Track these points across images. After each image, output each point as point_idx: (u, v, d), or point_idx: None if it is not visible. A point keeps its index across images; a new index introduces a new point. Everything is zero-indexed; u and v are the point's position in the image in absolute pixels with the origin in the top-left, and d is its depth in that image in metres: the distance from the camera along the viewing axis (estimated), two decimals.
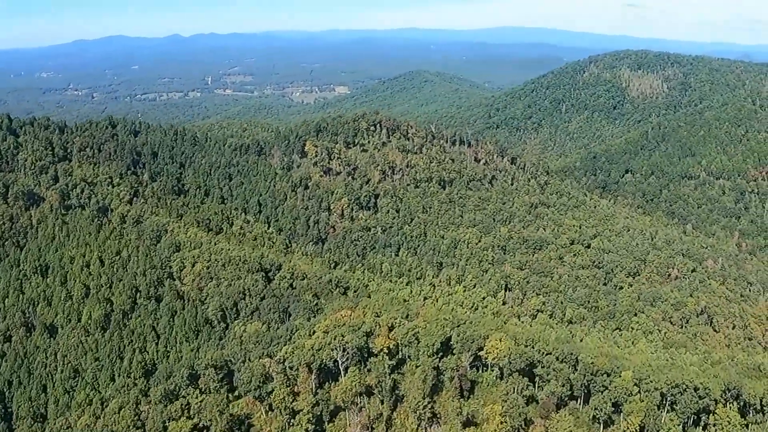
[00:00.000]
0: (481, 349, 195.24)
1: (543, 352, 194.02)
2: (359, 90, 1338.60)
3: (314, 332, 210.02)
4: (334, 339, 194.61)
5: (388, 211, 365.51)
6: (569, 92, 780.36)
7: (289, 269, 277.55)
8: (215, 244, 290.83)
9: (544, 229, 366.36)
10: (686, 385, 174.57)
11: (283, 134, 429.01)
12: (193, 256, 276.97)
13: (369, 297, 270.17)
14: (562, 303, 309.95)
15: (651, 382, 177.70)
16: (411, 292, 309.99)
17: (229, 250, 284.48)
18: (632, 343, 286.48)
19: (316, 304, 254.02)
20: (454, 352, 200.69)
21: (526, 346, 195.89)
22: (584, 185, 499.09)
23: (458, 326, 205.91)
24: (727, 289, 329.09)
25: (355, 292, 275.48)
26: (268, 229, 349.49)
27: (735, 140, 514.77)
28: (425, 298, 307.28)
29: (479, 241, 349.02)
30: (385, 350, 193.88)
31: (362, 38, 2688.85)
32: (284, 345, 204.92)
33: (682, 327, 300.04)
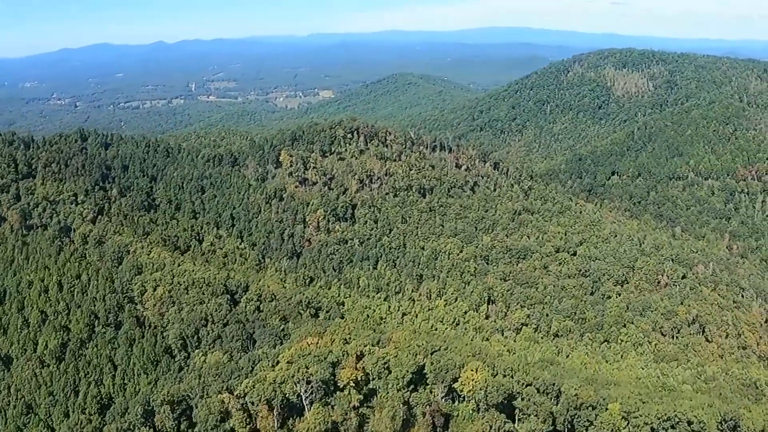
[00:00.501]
0: (456, 380, 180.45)
1: (523, 383, 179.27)
2: (343, 94, 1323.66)
3: (278, 362, 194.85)
4: (298, 371, 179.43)
5: (366, 222, 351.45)
6: (553, 92, 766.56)
7: (256, 290, 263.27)
8: (179, 266, 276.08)
9: (528, 236, 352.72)
10: (679, 418, 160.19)
11: (257, 144, 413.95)
12: (155, 279, 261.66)
13: (342, 317, 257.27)
14: (547, 315, 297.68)
15: (640, 416, 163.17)
16: (389, 308, 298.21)
17: (192, 271, 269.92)
18: (621, 356, 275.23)
19: (283, 329, 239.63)
20: (427, 382, 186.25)
21: (505, 376, 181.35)
22: (570, 189, 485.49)
23: (432, 353, 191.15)
24: (719, 295, 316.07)
25: (327, 312, 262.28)
26: (241, 244, 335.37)
27: (723, 139, 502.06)
28: (404, 314, 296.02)
29: (461, 252, 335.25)
30: (352, 383, 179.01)
31: (346, 42, 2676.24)
32: (245, 378, 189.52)
33: (673, 337, 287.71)
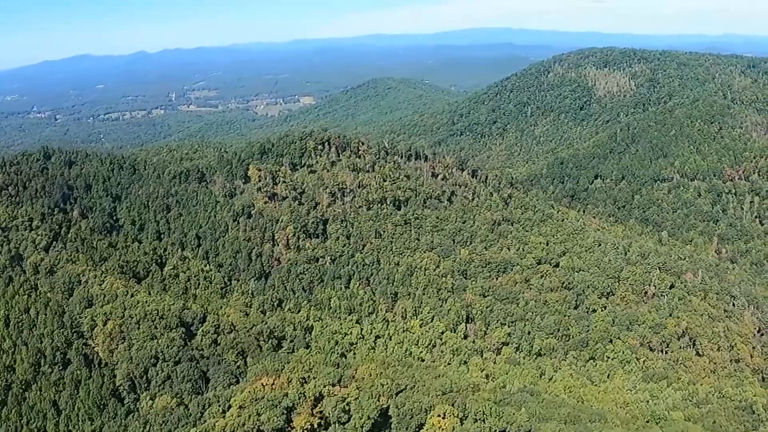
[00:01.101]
0: (421, 426, 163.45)
1: (495, 430, 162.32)
2: (324, 100, 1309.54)
3: (229, 407, 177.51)
4: (249, 418, 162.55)
5: (338, 237, 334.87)
6: (534, 94, 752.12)
7: (214, 321, 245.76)
8: (132, 296, 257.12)
9: (508, 248, 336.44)
10: None
11: (225, 158, 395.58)
12: (106, 312, 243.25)
13: (308, 346, 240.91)
14: (529, 333, 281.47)
15: None
16: (361, 331, 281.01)
17: (146, 302, 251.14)
18: (608, 376, 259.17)
19: (239, 366, 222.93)
20: (391, 426, 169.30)
21: (476, 420, 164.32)
22: (552, 195, 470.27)
23: (397, 394, 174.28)
24: (709, 305, 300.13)
25: (291, 342, 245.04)
26: (207, 266, 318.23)
27: (708, 138, 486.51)
28: (377, 338, 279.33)
29: (437, 267, 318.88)
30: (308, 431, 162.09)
31: (327, 47, 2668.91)
32: (193, 426, 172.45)
33: (662, 352, 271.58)
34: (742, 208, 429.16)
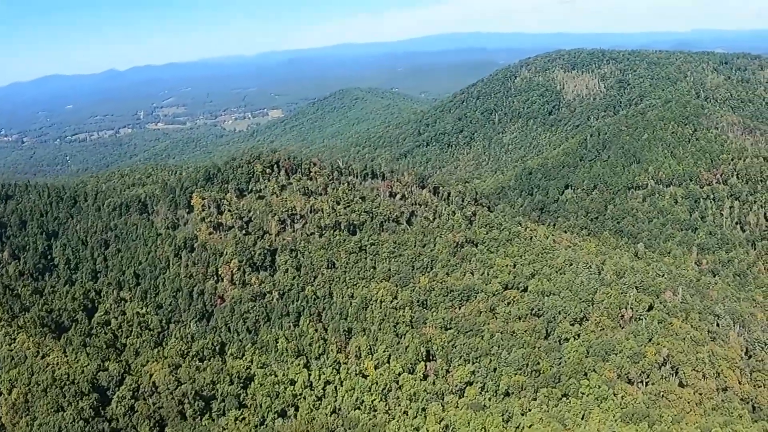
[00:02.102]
0: None
1: None
2: (292, 112, 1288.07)
3: None
4: None
5: (287, 269, 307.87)
6: (501, 100, 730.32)
7: (134, 382, 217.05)
8: (42, 357, 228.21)
9: (471, 273, 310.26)
10: None
11: (169, 186, 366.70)
12: (11, 378, 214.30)
13: (241, 405, 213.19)
14: (495, 370, 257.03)
15: None
16: (309, 377, 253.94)
17: (57, 365, 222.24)
18: (582, 417, 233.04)
19: None
20: None
21: None
22: (520, 209, 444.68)
23: None
24: (691, 326, 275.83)
25: (222, 402, 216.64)
26: (144, 308, 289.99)
27: (683, 141, 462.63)
28: (326, 384, 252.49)
29: (394, 298, 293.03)
30: None
31: (297, 58, 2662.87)
32: None
33: (642, 384, 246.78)
34: (722, 214, 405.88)
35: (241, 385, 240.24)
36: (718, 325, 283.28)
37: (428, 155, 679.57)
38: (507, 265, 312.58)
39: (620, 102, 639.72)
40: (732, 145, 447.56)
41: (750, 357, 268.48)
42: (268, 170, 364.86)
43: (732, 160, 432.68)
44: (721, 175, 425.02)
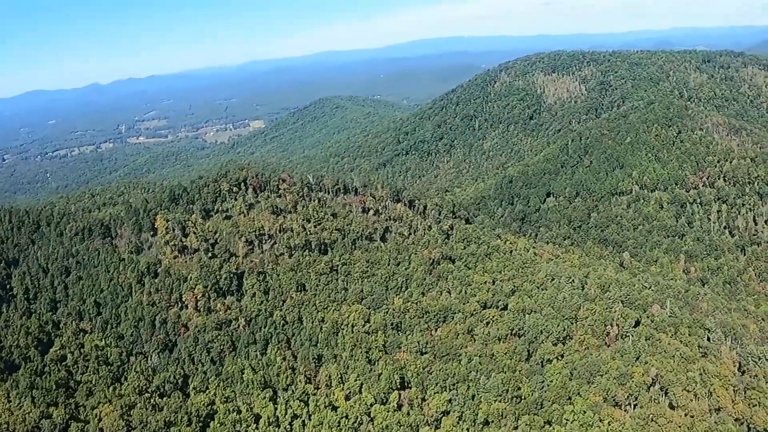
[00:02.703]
0: None
1: None
2: (273, 123, 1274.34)
3: None
4: None
5: (254, 294, 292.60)
6: (481, 106, 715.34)
7: (79, 430, 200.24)
8: None
9: (449, 292, 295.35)
10: None
11: (134, 208, 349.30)
12: None
13: None
14: (473, 398, 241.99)
15: None
16: (275, 411, 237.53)
17: None
18: None
19: None
20: None
21: None
22: (500, 219, 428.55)
23: None
24: (681, 342, 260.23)
25: None
26: (104, 339, 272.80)
27: (667, 144, 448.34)
28: (294, 418, 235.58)
29: (367, 321, 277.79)
30: None
31: (280, 67, 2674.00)
32: None
33: (631, 407, 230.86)
34: (709, 219, 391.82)
35: (201, 424, 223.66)
36: (708, 339, 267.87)
37: (408, 164, 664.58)
38: (485, 282, 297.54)
39: (602, 104, 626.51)
40: (718, 147, 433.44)
41: (743, 373, 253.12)
42: (235, 188, 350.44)
43: (718, 162, 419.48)
44: (707, 178, 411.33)
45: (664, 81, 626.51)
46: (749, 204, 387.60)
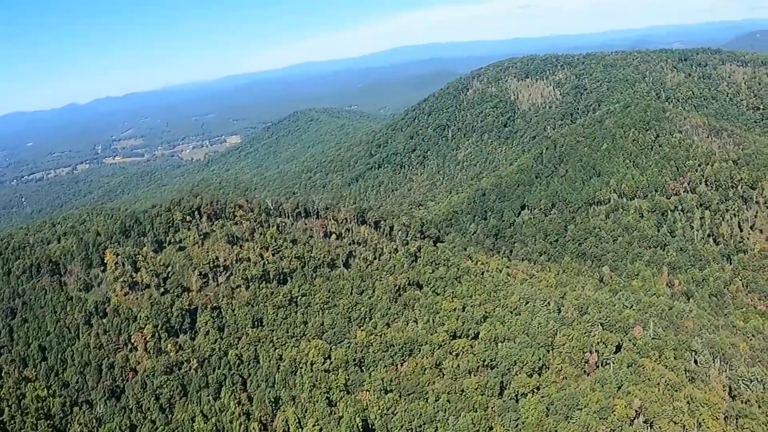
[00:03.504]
0: None
1: None
2: (249, 137, 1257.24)
3: None
4: None
5: (208, 332, 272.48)
6: (454, 115, 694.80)
7: None
8: None
9: (415, 321, 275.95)
10: None
11: (84, 241, 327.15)
12: None
13: None
14: None
15: None
16: None
17: None
18: None
19: None
20: None
21: None
22: (473, 236, 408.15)
23: None
24: (666, 367, 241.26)
25: None
26: (47, 389, 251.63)
27: (645, 149, 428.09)
28: None
29: (327, 358, 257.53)
30: None
31: (258, 80, 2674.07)
32: None
33: None
34: (692, 227, 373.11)
35: None
36: (696, 362, 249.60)
37: (381, 178, 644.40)
38: (455, 309, 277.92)
39: (577, 109, 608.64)
40: (698, 150, 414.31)
41: (734, 398, 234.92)
42: (188, 217, 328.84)
43: (699, 165, 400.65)
44: (688, 184, 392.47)
45: (640, 82, 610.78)
46: (733, 209, 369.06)
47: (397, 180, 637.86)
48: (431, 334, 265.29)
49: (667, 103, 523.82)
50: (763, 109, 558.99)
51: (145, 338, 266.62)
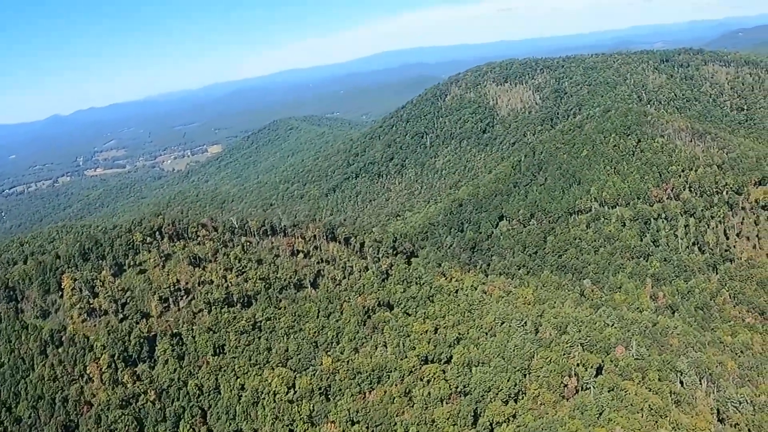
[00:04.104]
0: None
1: None
2: (229, 147, 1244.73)
3: None
4: None
5: (167, 360, 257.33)
6: (432, 122, 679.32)
7: None
8: None
9: (384, 346, 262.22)
10: None
11: (42, 265, 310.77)
12: None
13: None
14: None
15: None
16: None
17: None
18: None
19: None
20: None
21: None
22: (448, 250, 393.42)
23: None
24: (649, 390, 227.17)
25: None
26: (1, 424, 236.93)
27: (627, 154, 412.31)
28: None
29: (291, 387, 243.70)
30: None
31: (241, 89, 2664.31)
32: None
33: None
34: (676, 236, 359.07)
35: None
36: (681, 384, 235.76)
37: (358, 188, 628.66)
38: (427, 331, 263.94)
39: (557, 114, 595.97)
40: (681, 155, 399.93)
41: (723, 421, 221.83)
42: (149, 239, 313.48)
43: (683, 171, 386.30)
44: (672, 190, 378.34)
45: (621, 85, 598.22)
46: (718, 216, 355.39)
47: (375, 190, 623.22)
48: (401, 360, 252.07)
49: (648, 105, 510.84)
50: (747, 110, 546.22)
51: (100, 369, 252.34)
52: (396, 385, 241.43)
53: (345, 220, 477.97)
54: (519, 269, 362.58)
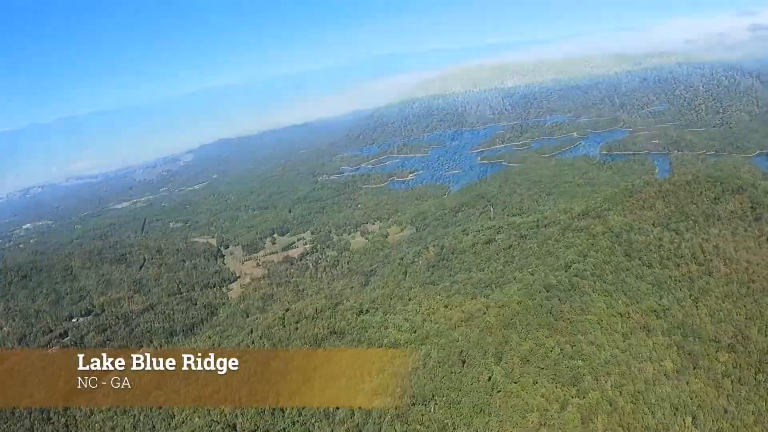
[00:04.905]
0: None
1: None
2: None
3: None
4: None
5: None
6: (399, 129, 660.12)
7: None
8: None
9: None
10: None
11: None
12: None
13: None
14: None
15: None
16: None
17: None
18: None
19: None
20: None
21: None
22: (409, 266, 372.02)
23: None
24: (622, 428, 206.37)
25: None
26: None
27: (598, 162, 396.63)
28: None
29: None
30: None
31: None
32: None
33: None
34: (650, 249, 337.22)
35: None
36: (653, 416, 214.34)
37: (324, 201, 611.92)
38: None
39: (527, 121, 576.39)
40: (655, 162, 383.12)
41: None
42: None
43: (656, 180, 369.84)
44: (644, 201, 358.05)
45: (593, 89, 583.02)
46: (694, 228, 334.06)
47: (342, 201, 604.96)
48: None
49: (621, 111, 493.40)
50: (722, 113, 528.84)
51: None
52: None
53: None
54: (486, 287, 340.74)
